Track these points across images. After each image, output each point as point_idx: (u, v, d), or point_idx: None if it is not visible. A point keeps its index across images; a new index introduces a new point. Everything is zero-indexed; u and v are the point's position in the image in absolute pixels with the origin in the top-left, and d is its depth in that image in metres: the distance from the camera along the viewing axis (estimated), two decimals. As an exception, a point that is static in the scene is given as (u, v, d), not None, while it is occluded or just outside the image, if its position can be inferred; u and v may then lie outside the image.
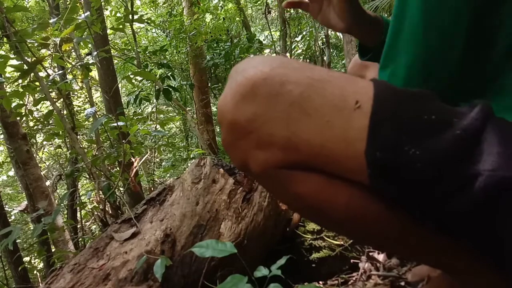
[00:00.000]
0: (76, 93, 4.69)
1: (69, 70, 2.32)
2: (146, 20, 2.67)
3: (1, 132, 2.90)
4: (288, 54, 4.76)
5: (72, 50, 3.43)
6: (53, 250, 2.94)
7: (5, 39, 1.86)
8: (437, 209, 0.50)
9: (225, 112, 0.56)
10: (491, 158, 0.46)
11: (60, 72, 1.93)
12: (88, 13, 1.94)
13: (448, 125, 0.48)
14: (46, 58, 1.91)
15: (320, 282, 1.17)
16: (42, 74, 2.02)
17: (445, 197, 0.48)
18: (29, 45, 1.86)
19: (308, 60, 5.03)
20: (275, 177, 0.56)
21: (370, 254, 1.17)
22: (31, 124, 3.79)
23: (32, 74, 1.85)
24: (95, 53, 1.94)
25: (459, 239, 0.56)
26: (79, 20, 1.87)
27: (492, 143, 0.47)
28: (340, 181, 0.54)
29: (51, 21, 1.84)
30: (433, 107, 0.50)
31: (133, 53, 3.91)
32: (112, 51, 3.58)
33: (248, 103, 0.53)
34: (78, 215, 3.42)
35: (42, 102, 2.20)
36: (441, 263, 0.63)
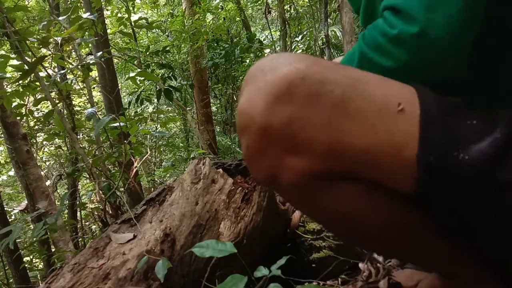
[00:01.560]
0: (76, 94, 4.70)
1: (69, 71, 2.32)
2: (145, 24, 2.67)
3: (1, 132, 2.91)
4: (288, 54, 4.75)
5: (72, 50, 3.43)
6: (53, 250, 2.94)
7: (5, 38, 1.86)
8: (474, 215, 0.47)
9: (254, 115, 0.49)
10: None
11: (61, 72, 1.93)
12: (90, 13, 1.94)
13: (488, 130, 0.46)
14: (46, 58, 1.91)
15: (320, 282, 1.17)
16: (42, 74, 2.02)
17: (488, 202, 0.45)
18: (30, 44, 1.86)
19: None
20: (309, 189, 0.51)
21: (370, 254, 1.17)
22: (32, 124, 3.79)
23: (32, 74, 1.85)
24: (98, 53, 1.94)
25: (478, 251, 0.53)
26: (83, 20, 1.87)
27: None
28: (379, 191, 0.51)
29: (60, 18, 1.84)
30: (471, 112, 0.48)
31: (134, 53, 3.92)
32: (112, 51, 3.59)
33: (284, 105, 0.47)
34: (78, 215, 3.43)
35: (42, 102, 2.20)
36: (449, 270, 0.61)
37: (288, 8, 5.21)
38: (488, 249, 0.51)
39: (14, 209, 4.50)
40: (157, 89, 3.16)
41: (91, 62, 1.95)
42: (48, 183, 3.54)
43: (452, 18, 0.50)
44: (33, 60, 1.77)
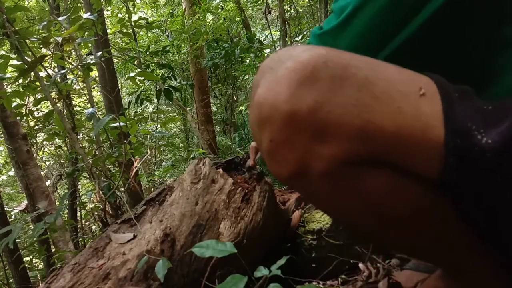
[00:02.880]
0: (76, 94, 4.70)
1: (69, 71, 2.32)
2: (145, 24, 2.67)
3: (1, 132, 2.91)
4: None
5: (72, 50, 3.43)
6: (53, 250, 2.95)
7: (6, 38, 1.86)
8: (497, 199, 0.47)
9: (278, 104, 0.47)
10: None
11: (61, 72, 1.93)
12: (90, 13, 1.94)
13: (503, 115, 0.46)
14: (47, 57, 1.91)
15: (320, 282, 1.17)
16: (42, 74, 2.02)
17: (509, 186, 0.45)
18: (30, 44, 1.86)
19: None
20: (340, 177, 0.49)
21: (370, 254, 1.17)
22: (32, 124, 3.80)
23: (32, 74, 1.85)
24: (98, 53, 1.94)
25: (498, 241, 0.52)
26: (83, 20, 1.87)
27: None
28: (407, 177, 0.50)
29: (60, 18, 1.84)
30: (483, 99, 0.49)
31: (134, 53, 3.92)
32: (112, 51, 3.59)
33: (309, 90, 0.46)
34: (78, 215, 3.43)
35: (42, 102, 2.20)
36: (460, 266, 0.60)
37: (288, 8, 5.21)
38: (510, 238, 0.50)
39: (14, 209, 4.50)
40: (157, 89, 3.16)
41: (91, 62, 1.95)
42: (48, 183, 3.54)
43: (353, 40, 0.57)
44: (33, 59, 1.77)
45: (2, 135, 3.23)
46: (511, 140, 0.44)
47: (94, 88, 4.56)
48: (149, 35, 5.57)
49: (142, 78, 2.31)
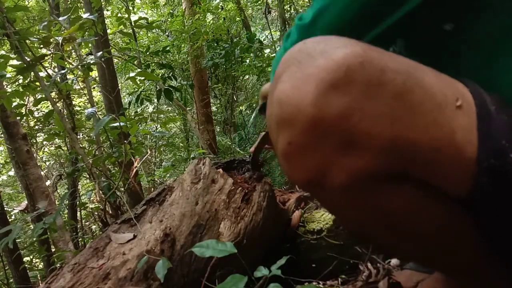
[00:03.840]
0: (76, 94, 4.70)
1: (69, 71, 2.32)
2: (145, 24, 2.67)
3: (1, 132, 2.91)
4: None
5: (72, 50, 3.43)
6: (53, 250, 2.95)
7: (6, 38, 1.86)
8: None
9: (302, 106, 0.42)
10: None
11: (61, 72, 1.93)
12: (90, 13, 1.94)
13: None
14: (47, 57, 1.91)
15: (320, 282, 1.17)
16: (42, 74, 2.02)
17: None
18: (30, 44, 1.86)
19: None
20: (362, 191, 0.45)
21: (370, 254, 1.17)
22: (32, 124, 3.80)
23: (32, 74, 1.85)
24: (98, 53, 1.94)
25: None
26: (83, 20, 1.87)
27: None
28: (430, 195, 0.47)
29: (60, 19, 1.84)
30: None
31: (134, 53, 3.92)
32: (112, 51, 3.59)
33: (341, 94, 0.41)
34: (78, 215, 3.43)
35: (42, 102, 2.20)
36: (467, 276, 0.59)
37: (288, 8, 5.21)
38: None
39: (14, 209, 4.50)
40: (157, 89, 3.17)
41: (91, 62, 1.95)
42: (48, 183, 3.54)
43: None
44: (32, 59, 1.77)
45: (2, 135, 3.23)
46: None
47: (94, 88, 4.57)
48: (149, 35, 5.56)
49: (142, 78, 2.31)
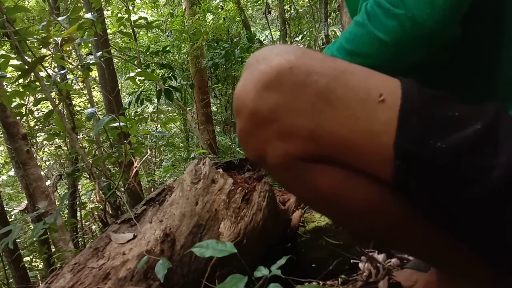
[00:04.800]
0: (76, 94, 4.70)
1: (69, 71, 2.32)
2: (145, 24, 2.67)
3: (1, 132, 2.91)
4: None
5: (72, 50, 3.43)
6: (53, 250, 2.95)
7: (6, 38, 1.86)
8: (452, 199, 0.50)
9: (246, 101, 0.54)
10: (506, 152, 0.47)
11: (61, 72, 1.93)
12: (91, 13, 1.94)
13: (470, 121, 0.49)
14: (47, 58, 1.91)
15: (320, 282, 1.17)
16: (42, 74, 2.02)
17: (463, 187, 0.48)
18: (30, 44, 1.86)
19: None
20: (293, 169, 0.55)
21: (370, 254, 1.17)
22: (32, 124, 3.80)
23: (32, 74, 1.85)
24: (98, 53, 1.94)
25: (464, 238, 0.55)
26: (83, 20, 1.87)
27: (508, 138, 0.48)
28: (359, 175, 0.54)
29: (60, 18, 1.84)
30: (454, 105, 0.52)
31: (134, 53, 3.92)
32: (112, 51, 3.59)
33: (272, 92, 0.52)
34: (78, 215, 3.43)
35: (42, 102, 2.20)
36: (441, 262, 0.63)
37: (288, 8, 5.21)
38: (471, 236, 0.53)
39: (14, 209, 4.50)
40: (157, 89, 3.17)
41: (91, 62, 1.95)
42: (48, 183, 3.54)
43: (435, 4, 0.56)
44: (33, 60, 1.77)
45: (2, 135, 3.23)
46: (468, 144, 0.48)
47: (94, 88, 4.57)
48: (149, 35, 5.57)
49: (142, 78, 2.31)
